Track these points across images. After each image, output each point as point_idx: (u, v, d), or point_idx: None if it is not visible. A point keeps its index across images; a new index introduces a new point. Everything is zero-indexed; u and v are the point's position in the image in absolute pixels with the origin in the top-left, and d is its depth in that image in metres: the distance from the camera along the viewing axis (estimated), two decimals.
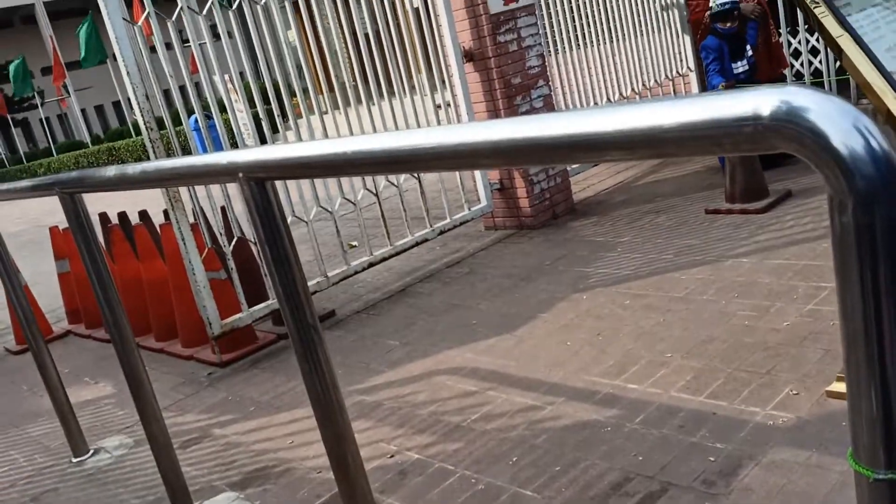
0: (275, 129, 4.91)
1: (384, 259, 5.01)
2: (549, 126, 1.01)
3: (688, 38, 6.73)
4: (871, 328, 0.76)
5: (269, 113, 4.80)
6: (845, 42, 2.07)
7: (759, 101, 0.79)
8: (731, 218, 4.68)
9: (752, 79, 5.38)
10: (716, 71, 5.34)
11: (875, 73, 2.05)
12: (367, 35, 5.08)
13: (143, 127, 3.89)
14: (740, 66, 5.38)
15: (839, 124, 0.76)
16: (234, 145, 4.85)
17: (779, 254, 3.94)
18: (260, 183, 1.57)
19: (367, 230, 5.06)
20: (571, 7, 6.23)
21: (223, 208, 4.44)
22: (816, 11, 2.08)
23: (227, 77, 4.45)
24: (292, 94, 4.89)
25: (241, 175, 1.58)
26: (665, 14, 6.84)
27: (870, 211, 0.74)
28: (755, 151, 0.84)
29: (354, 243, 5.95)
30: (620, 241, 4.81)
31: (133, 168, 1.96)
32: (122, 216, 5.57)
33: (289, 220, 4.54)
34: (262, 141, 5.02)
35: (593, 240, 5.00)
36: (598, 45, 6.41)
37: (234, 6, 4.29)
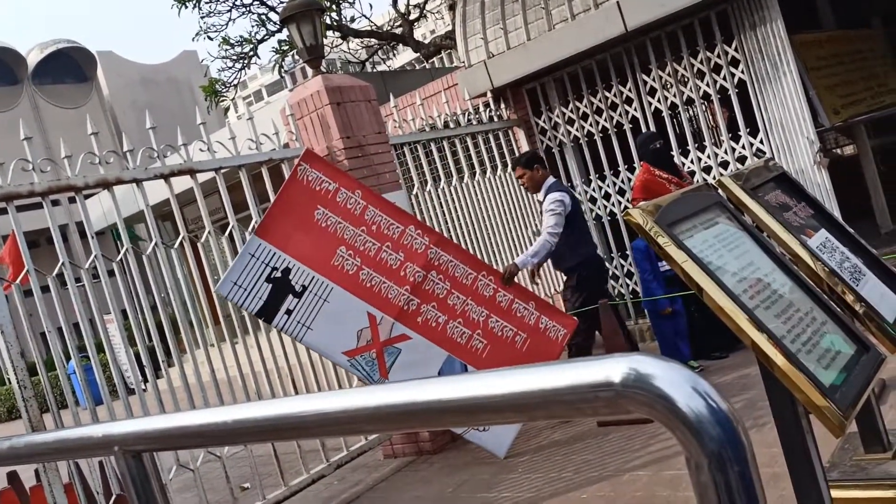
0: (170, 363, 4.83)
1: (278, 502, 4.74)
2: (425, 392, 1.04)
3: None
4: None
5: (164, 345, 4.74)
6: (689, 267, 2.28)
7: (611, 369, 0.84)
8: (623, 430, 4.76)
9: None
10: (652, 278, 5.64)
11: (722, 295, 2.24)
12: None
13: (16, 386, 3.69)
14: (665, 266, 5.53)
15: (683, 389, 0.82)
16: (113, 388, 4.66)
17: (672, 464, 4.00)
18: (137, 456, 1.51)
19: (258, 469, 4.81)
20: None
21: (101, 463, 4.17)
22: (660, 241, 2.30)
23: (105, 317, 4.38)
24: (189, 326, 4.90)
25: (117, 449, 1.52)
26: None
27: (724, 469, 0.79)
28: (614, 416, 0.89)
29: (246, 485, 5.62)
30: (520, 461, 4.77)
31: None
32: None
33: (173, 470, 4.30)
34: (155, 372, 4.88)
35: (493, 461, 4.93)
36: None
37: (118, 258, 4.31)
